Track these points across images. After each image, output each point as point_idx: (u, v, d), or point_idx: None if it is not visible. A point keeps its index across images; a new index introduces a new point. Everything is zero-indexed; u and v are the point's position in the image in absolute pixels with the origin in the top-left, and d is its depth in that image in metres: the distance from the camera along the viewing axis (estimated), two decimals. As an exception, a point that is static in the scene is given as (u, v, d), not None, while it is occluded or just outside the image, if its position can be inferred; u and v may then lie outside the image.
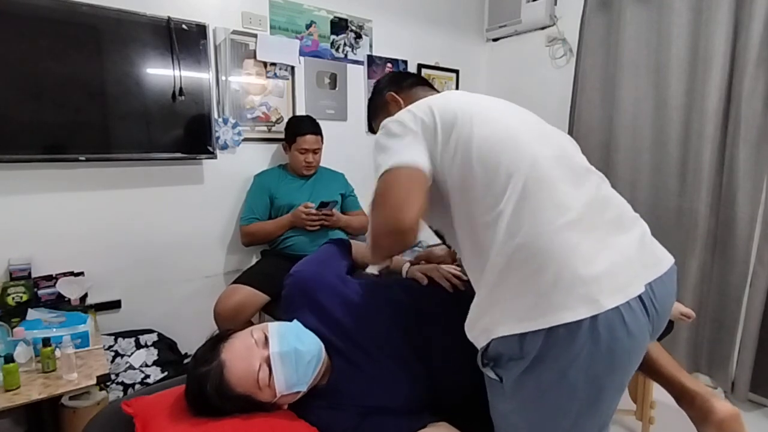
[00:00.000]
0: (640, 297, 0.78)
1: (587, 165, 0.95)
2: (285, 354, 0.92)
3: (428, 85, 1.25)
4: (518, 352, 0.78)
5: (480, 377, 1.01)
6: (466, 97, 1.00)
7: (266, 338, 0.94)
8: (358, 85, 2.74)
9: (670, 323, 1.57)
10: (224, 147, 2.25)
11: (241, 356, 0.91)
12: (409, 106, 0.97)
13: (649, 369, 1.09)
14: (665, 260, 0.88)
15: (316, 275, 1.14)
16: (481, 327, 0.85)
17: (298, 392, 0.95)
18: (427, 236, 2.84)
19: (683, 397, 1.04)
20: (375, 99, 1.27)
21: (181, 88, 2.01)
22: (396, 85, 1.22)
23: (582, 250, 0.78)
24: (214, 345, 0.95)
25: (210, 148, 2.15)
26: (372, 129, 1.23)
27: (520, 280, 0.79)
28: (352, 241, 1.35)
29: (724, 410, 0.97)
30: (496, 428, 0.91)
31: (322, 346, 1.00)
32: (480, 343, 0.85)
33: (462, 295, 1.16)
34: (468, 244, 0.91)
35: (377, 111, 1.25)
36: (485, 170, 0.85)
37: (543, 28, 2.92)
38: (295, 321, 1.03)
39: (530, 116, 1.00)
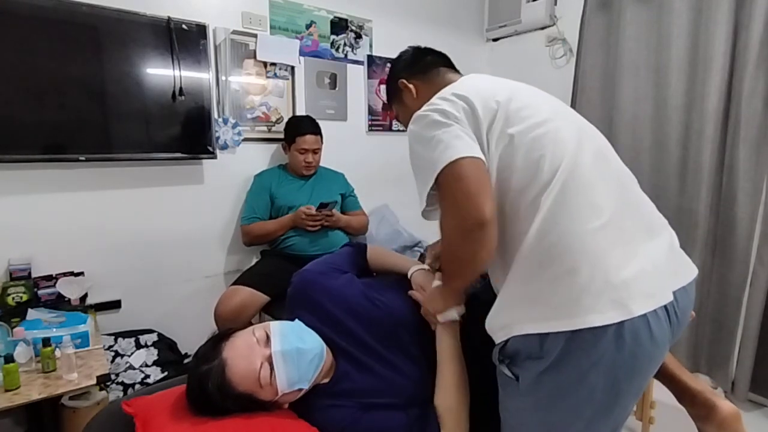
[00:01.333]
0: (665, 307, 0.79)
1: (621, 165, 0.93)
2: (287, 353, 0.92)
3: (447, 65, 1.15)
4: (538, 352, 0.78)
5: (482, 374, 1.01)
6: (500, 84, 0.95)
7: (268, 337, 0.94)
8: (358, 85, 2.74)
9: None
10: (224, 147, 2.25)
11: (242, 355, 0.91)
12: (444, 93, 0.91)
13: None
14: (690, 270, 0.88)
15: (320, 275, 1.14)
16: (502, 323, 0.84)
17: (300, 390, 0.95)
18: (426, 236, 2.83)
19: (684, 395, 1.04)
20: (389, 84, 1.20)
21: (181, 88, 2.01)
22: (408, 70, 1.14)
23: (614, 254, 0.77)
24: (215, 344, 0.95)
25: (210, 148, 2.15)
26: (390, 107, 1.19)
27: (549, 279, 0.77)
28: (369, 245, 1.33)
29: (726, 409, 0.97)
30: (503, 425, 0.90)
31: (324, 344, 1.00)
32: (498, 338, 0.85)
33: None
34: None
35: (392, 98, 1.20)
36: (526, 163, 0.82)
37: (543, 28, 2.92)
38: (296, 320, 1.04)
39: (568, 110, 0.99)
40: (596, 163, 0.85)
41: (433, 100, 0.91)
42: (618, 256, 0.77)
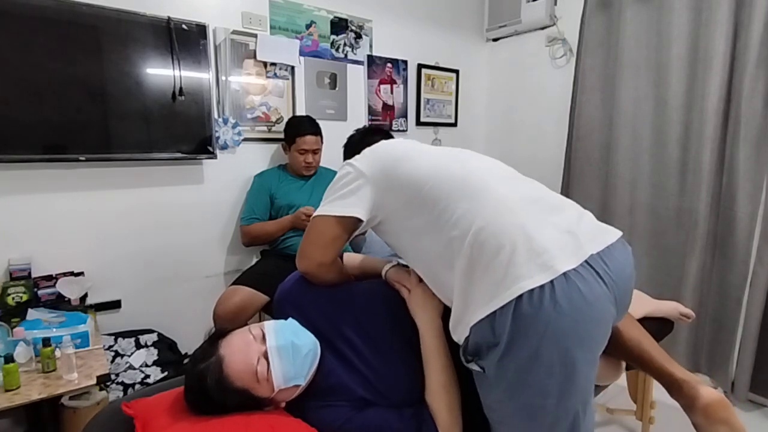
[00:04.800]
0: (590, 265, 0.84)
1: (518, 174, 1.07)
2: (282, 347, 0.94)
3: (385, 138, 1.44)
4: (492, 337, 0.83)
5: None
6: (400, 147, 1.14)
7: (264, 334, 0.96)
8: (358, 85, 2.74)
9: (670, 323, 1.57)
10: (224, 147, 2.25)
11: (239, 350, 0.93)
12: (361, 154, 1.13)
13: (641, 361, 1.11)
14: (611, 233, 0.94)
15: (303, 281, 1.15)
16: (458, 320, 0.90)
17: (297, 386, 0.96)
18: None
19: (673, 386, 1.05)
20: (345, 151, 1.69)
21: (181, 88, 2.01)
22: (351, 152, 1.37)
23: (529, 227, 0.86)
24: (212, 342, 0.96)
25: (210, 148, 2.15)
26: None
27: (483, 268, 0.85)
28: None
29: (708, 396, 0.98)
30: (491, 423, 0.93)
31: (317, 341, 1.01)
32: (461, 337, 0.90)
33: None
34: (427, 264, 1.02)
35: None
36: (423, 199, 0.98)
37: (543, 28, 2.92)
38: (290, 319, 1.05)
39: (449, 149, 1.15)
40: (489, 174, 1.00)
41: (354, 159, 1.13)
42: (533, 228, 0.86)
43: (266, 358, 0.92)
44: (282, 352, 0.93)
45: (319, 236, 1.07)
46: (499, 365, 0.84)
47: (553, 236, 0.86)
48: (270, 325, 0.99)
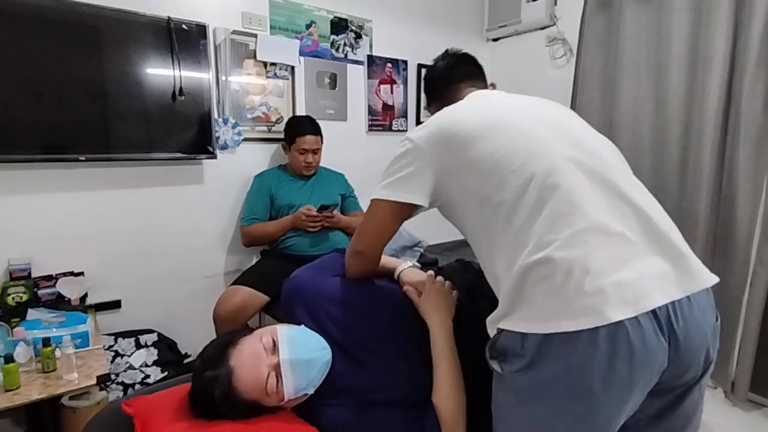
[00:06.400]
0: (655, 314, 0.74)
1: (617, 168, 0.92)
2: (295, 362, 0.92)
3: (467, 78, 1.23)
4: (520, 349, 0.80)
5: (478, 370, 1.01)
6: (482, 111, 0.99)
7: (275, 343, 0.94)
8: (358, 85, 2.74)
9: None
10: (224, 147, 2.25)
11: (250, 364, 0.91)
12: (430, 122, 1.01)
13: None
14: (701, 278, 0.81)
15: (311, 277, 1.14)
16: (495, 318, 0.87)
17: (305, 395, 0.95)
18: (426, 236, 2.83)
19: None
20: (425, 90, 1.32)
21: (181, 88, 2.01)
22: (429, 94, 1.27)
23: (592, 260, 0.76)
24: (222, 349, 0.94)
25: (210, 148, 2.15)
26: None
27: (531, 283, 0.79)
28: None
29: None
30: (494, 420, 0.91)
31: (330, 348, 1.00)
32: (491, 333, 0.88)
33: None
34: (487, 252, 0.93)
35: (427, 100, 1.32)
36: (499, 181, 0.87)
37: (543, 28, 2.92)
38: (302, 326, 1.03)
39: (557, 115, 1.01)
40: (579, 168, 0.85)
41: (415, 130, 1.02)
42: (596, 262, 0.76)
43: (277, 371, 0.91)
44: (295, 366, 0.91)
45: (379, 221, 1.02)
46: (520, 375, 0.80)
47: (621, 276, 0.75)
48: (283, 334, 0.96)
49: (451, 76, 1.23)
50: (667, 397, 0.84)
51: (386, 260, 1.27)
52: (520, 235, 0.82)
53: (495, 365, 0.86)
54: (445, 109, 1.04)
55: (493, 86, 1.27)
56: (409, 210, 1.00)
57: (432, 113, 1.19)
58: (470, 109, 1.02)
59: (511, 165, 0.87)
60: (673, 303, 0.76)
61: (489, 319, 0.90)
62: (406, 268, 1.21)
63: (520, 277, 0.80)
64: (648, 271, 0.77)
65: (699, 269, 0.83)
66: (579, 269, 0.75)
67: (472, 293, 1.17)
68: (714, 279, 0.84)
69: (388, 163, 1.03)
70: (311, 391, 0.95)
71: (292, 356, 0.92)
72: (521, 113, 0.98)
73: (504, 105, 1.03)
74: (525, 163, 0.86)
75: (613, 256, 0.77)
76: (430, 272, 1.19)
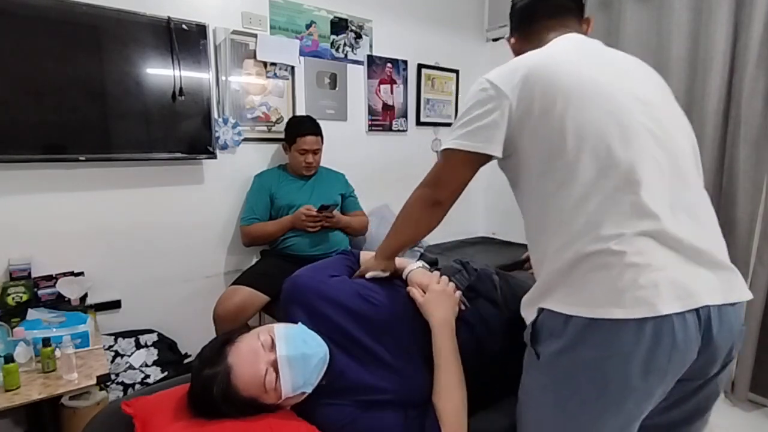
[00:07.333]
0: (698, 313, 0.78)
1: (693, 177, 0.93)
2: (293, 358, 0.92)
3: (555, 15, 1.08)
4: (561, 330, 0.81)
5: (479, 370, 1.03)
6: (575, 69, 0.91)
7: (272, 341, 0.94)
8: (358, 85, 2.74)
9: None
10: (224, 147, 2.25)
11: (248, 360, 0.91)
12: (510, 67, 0.93)
13: None
14: (741, 291, 0.85)
15: (311, 278, 1.15)
16: (536, 296, 0.88)
17: (303, 394, 0.95)
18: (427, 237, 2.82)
19: None
20: (510, 15, 1.19)
21: (181, 88, 2.01)
22: (514, 21, 1.15)
23: (652, 259, 0.78)
24: (220, 347, 0.95)
25: (210, 148, 2.15)
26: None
27: (584, 270, 0.80)
28: (362, 251, 1.35)
29: None
30: (520, 406, 0.93)
31: (327, 347, 1.00)
32: (530, 315, 0.88)
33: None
34: (536, 221, 0.92)
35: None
36: (578, 156, 0.83)
37: (543, 28, 2.92)
38: (299, 324, 1.03)
39: (653, 96, 0.95)
40: (658, 166, 0.84)
41: (497, 72, 0.94)
42: (656, 259, 0.78)
43: (275, 367, 0.91)
44: (292, 362, 0.92)
45: (459, 172, 0.97)
46: (556, 357, 0.82)
47: (676, 271, 0.79)
48: (280, 332, 0.97)
49: (538, 12, 1.09)
50: (685, 388, 0.87)
51: (397, 260, 1.27)
52: (583, 222, 0.82)
53: (531, 347, 0.88)
54: (533, 55, 0.95)
55: (588, 24, 1.14)
56: (485, 160, 0.95)
57: (512, 44, 1.14)
58: (562, 63, 0.92)
59: (593, 144, 0.83)
60: (716, 306, 0.80)
61: (526, 299, 0.92)
62: (416, 269, 1.20)
63: (574, 262, 0.81)
64: (699, 276, 0.80)
65: (741, 284, 0.87)
66: (638, 265, 0.78)
67: (472, 293, 1.18)
68: (749, 295, 0.87)
69: (465, 108, 0.95)
70: (309, 390, 0.95)
71: (289, 352, 0.92)
72: (617, 86, 0.90)
73: (600, 68, 0.93)
74: (610, 148, 0.82)
75: (671, 259, 0.80)
76: (436, 272, 1.20)
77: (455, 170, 0.98)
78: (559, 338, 0.81)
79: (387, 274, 1.20)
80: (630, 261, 0.78)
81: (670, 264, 0.79)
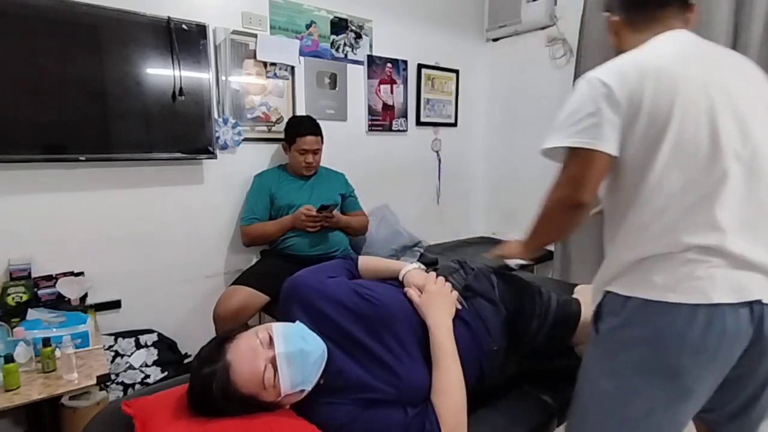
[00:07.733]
0: (751, 307, 0.84)
1: None
2: (291, 354, 0.93)
3: (675, 10, 1.00)
4: (619, 310, 0.91)
5: (479, 370, 1.05)
6: (680, 78, 0.88)
7: (271, 338, 0.95)
8: (358, 85, 2.74)
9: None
10: (224, 147, 2.25)
11: (246, 357, 0.92)
12: (627, 61, 0.92)
13: None
14: None
15: (309, 279, 1.16)
16: (602, 285, 0.97)
17: (302, 391, 0.95)
18: (426, 236, 2.82)
19: None
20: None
21: (181, 88, 2.01)
22: (624, 9, 1.06)
23: (714, 262, 0.85)
24: (219, 345, 0.95)
25: (210, 148, 2.15)
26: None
27: (649, 264, 0.89)
28: (360, 256, 1.36)
29: None
30: (577, 385, 1.01)
31: (325, 345, 1.00)
32: (597, 299, 0.99)
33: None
34: (614, 219, 0.98)
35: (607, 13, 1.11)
36: (669, 168, 0.87)
37: (543, 28, 2.92)
38: (297, 322, 1.04)
39: (755, 111, 0.91)
40: (740, 182, 0.87)
41: (610, 70, 0.92)
42: (716, 262, 0.85)
43: (273, 364, 0.91)
44: (291, 359, 0.92)
45: (595, 169, 0.91)
46: (612, 331, 0.92)
47: (737, 275, 0.85)
48: (278, 329, 0.97)
49: (647, 7, 1.01)
50: (747, 390, 0.94)
51: (387, 263, 1.28)
52: (659, 228, 0.88)
53: (593, 325, 0.98)
54: (646, 53, 0.93)
55: (692, 11, 1.02)
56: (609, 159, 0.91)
57: (613, 22, 1.07)
58: (674, 73, 0.88)
59: (683, 161, 0.87)
60: None
61: (596, 284, 1.00)
62: (411, 270, 1.22)
63: (643, 260, 0.89)
64: (754, 278, 0.86)
65: None
66: (697, 261, 0.85)
67: (469, 292, 1.18)
68: None
69: (572, 106, 0.93)
70: (308, 388, 0.95)
71: (287, 349, 0.93)
72: (723, 106, 0.87)
73: (707, 76, 0.90)
74: (699, 167, 0.86)
75: (732, 263, 0.85)
76: (432, 273, 1.20)
77: (596, 168, 0.92)
78: (617, 316, 0.91)
79: (527, 262, 1.30)
80: (691, 257, 0.85)
81: (728, 265, 0.85)
